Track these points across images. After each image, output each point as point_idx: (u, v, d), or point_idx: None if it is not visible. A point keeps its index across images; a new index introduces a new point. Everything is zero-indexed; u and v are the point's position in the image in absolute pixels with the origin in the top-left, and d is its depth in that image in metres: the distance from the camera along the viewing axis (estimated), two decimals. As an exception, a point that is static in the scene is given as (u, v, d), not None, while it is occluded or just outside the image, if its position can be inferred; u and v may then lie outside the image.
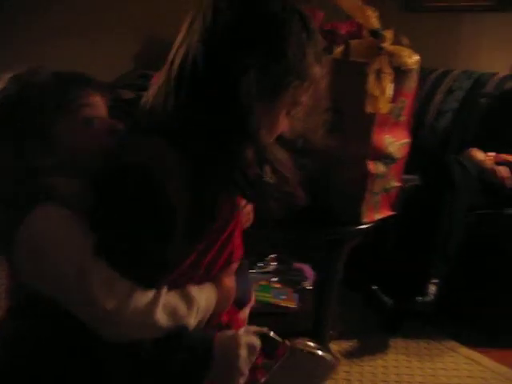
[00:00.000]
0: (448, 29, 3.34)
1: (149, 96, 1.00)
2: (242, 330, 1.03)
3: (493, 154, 2.49)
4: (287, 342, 1.07)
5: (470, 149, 2.57)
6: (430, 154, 2.80)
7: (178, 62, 0.94)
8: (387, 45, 1.58)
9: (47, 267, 0.92)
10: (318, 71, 0.96)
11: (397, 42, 1.71)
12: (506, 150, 2.48)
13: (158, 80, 0.99)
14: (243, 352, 0.99)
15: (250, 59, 0.89)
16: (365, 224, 1.76)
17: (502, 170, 2.38)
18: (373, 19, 1.54)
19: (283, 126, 1.00)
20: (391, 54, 1.59)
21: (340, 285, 1.94)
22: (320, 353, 1.08)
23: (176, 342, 0.96)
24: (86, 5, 3.38)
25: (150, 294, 0.92)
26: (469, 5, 3.26)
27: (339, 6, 1.55)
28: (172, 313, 0.95)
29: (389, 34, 1.58)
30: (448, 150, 2.79)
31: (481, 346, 2.22)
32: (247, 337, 1.01)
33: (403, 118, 1.73)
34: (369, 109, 1.58)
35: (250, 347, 1.00)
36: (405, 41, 1.73)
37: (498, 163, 2.43)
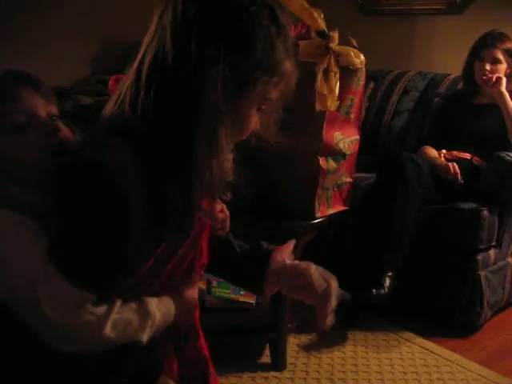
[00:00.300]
0: (402, 32, 3.44)
1: (116, 96, 0.97)
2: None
3: (445, 151, 2.58)
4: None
5: (424, 146, 2.67)
6: (387, 153, 2.89)
7: (147, 59, 0.91)
8: (334, 45, 1.65)
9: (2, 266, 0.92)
10: (289, 66, 0.93)
11: (346, 43, 1.78)
12: (458, 148, 2.58)
13: (125, 80, 0.95)
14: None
15: (216, 53, 0.86)
16: (318, 218, 1.82)
17: (454, 167, 2.47)
18: (319, 21, 1.61)
19: (254, 123, 0.97)
20: (338, 54, 1.66)
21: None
22: None
23: (123, 359, 0.95)
24: (39, 8, 3.36)
25: (102, 307, 0.90)
26: (422, 8, 3.37)
27: (287, 8, 1.61)
28: (124, 327, 0.93)
29: (335, 35, 1.65)
30: (404, 148, 2.88)
31: (435, 336, 2.30)
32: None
33: (353, 116, 1.80)
34: (318, 106, 1.64)
35: None
36: (353, 42, 1.80)
37: (450, 160, 2.53)
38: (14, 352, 0.95)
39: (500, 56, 2.52)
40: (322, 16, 1.63)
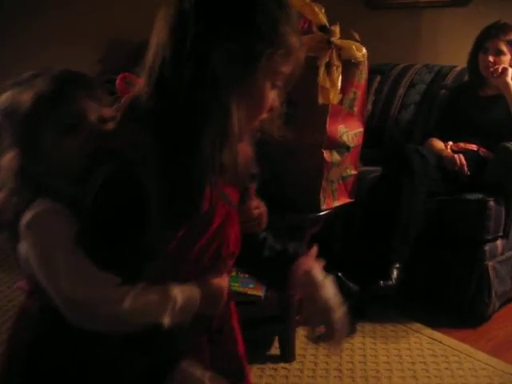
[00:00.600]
0: (408, 25, 3.45)
1: (135, 91, 1.01)
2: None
3: (451, 142, 2.59)
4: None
5: (430, 138, 2.68)
6: (393, 146, 2.90)
7: (153, 52, 0.95)
8: (336, 39, 1.67)
9: (32, 250, 0.96)
10: (294, 39, 0.93)
11: (349, 37, 1.80)
12: (464, 139, 2.59)
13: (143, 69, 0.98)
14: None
15: (218, 31, 0.89)
16: (324, 211, 1.85)
17: (461, 158, 2.47)
18: (320, 15, 1.63)
19: (271, 99, 0.97)
20: (340, 48, 1.68)
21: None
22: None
23: (146, 341, 0.97)
24: (48, 8, 3.40)
25: (123, 288, 0.93)
26: (427, 1, 3.38)
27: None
28: (143, 306, 0.95)
29: (337, 29, 1.67)
30: (411, 141, 2.89)
31: (444, 327, 2.32)
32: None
33: (356, 109, 1.82)
34: (321, 100, 1.66)
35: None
36: (355, 36, 1.81)
37: (457, 151, 2.54)
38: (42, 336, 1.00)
39: (503, 47, 2.52)
40: (323, 10, 1.66)
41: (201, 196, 0.98)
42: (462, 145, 2.57)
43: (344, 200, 1.91)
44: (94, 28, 3.61)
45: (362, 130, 1.87)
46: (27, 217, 0.97)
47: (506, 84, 2.49)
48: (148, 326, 0.96)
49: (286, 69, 0.95)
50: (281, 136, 1.26)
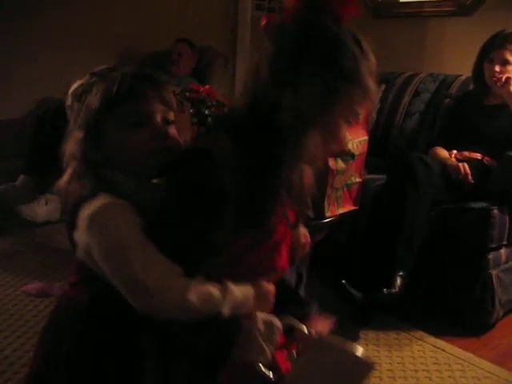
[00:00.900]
0: (413, 34, 3.47)
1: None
2: (258, 312, 1.09)
3: (456, 151, 2.60)
4: (314, 335, 1.10)
5: (435, 147, 2.69)
6: (397, 154, 2.91)
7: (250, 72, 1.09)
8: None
9: (98, 241, 1.00)
10: (371, 83, 1.04)
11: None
12: (469, 148, 2.60)
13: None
14: (260, 326, 1.05)
15: (306, 68, 1.00)
16: (328, 218, 1.86)
17: (465, 167, 2.48)
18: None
19: (344, 135, 1.10)
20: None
21: (310, 279, 2.03)
22: (353, 351, 1.04)
23: (207, 326, 1.02)
24: (63, 18, 3.45)
25: (187, 278, 1.00)
26: (432, 10, 3.40)
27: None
28: (205, 296, 1.01)
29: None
30: (415, 149, 2.91)
31: (447, 335, 2.32)
32: (264, 315, 1.08)
33: (360, 117, 1.83)
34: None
35: (268, 323, 1.06)
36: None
37: (461, 160, 2.55)
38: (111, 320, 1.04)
39: (509, 57, 2.53)
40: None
41: (273, 209, 1.07)
42: (466, 153, 2.58)
43: (349, 207, 1.92)
44: (99, 39, 3.65)
45: (366, 138, 1.88)
46: (90, 209, 1.00)
47: (510, 93, 2.50)
48: (209, 314, 1.01)
49: (360, 109, 1.08)
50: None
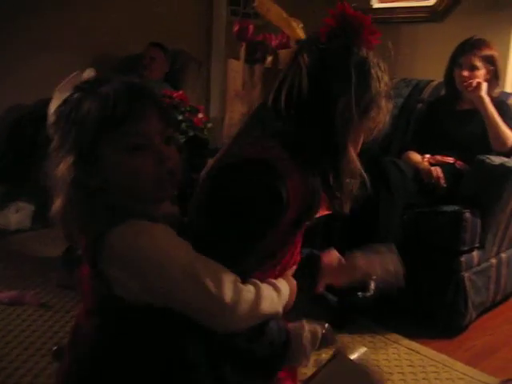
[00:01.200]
0: (386, 40, 3.50)
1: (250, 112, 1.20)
2: (304, 321, 1.16)
3: (428, 155, 2.64)
4: (341, 347, 1.22)
5: (408, 151, 2.72)
6: (372, 158, 2.93)
7: (284, 88, 1.13)
8: (313, 53, 1.69)
9: (152, 275, 0.93)
10: (387, 104, 1.18)
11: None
12: (441, 152, 2.63)
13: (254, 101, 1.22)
14: (308, 335, 1.10)
15: (345, 87, 1.10)
16: (302, 223, 1.86)
17: (437, 171, 2.52)
18: (298, 30, 1.65)
19: (360, 144, 1.23)
20: (317, 62, 1.70)
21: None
22: (371, 371, 1.20)
23: (261, 331, 1.05)
24: (38, 22, 3.41)
25: (251, 286, 1.01)
26: (405, 16, 3.44)
27: (266, 18, 1.66)
28: (271, 302, 1.02)
29: (314, 44, 1.69)
30: (389, 154, 2.93)
31: (422, 337, 2.34)
32: (310, 325, 1.13)
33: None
34: (298, 113, 1.69)
35: (312, 332, 1.11)
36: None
37: (434, 164, 2.58)
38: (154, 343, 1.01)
39: (477, 63, 2.58)
40: (301, 25, 1.68)
41: (318, 208, 1.21)
42: (438, 157, 2.62)
43: (322, 212, 1.92)
44: (82, 42, 3.63)
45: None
46: (128, 239, 0.93)
47: (480, 98, 2.54)
48: (272, 316, 1.05)
49: (374, 125, 1.19)
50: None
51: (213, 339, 1.01)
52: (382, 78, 1.15)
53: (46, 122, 3.09)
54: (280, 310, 1.06)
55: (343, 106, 1.09)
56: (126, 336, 0.99)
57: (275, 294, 1.05)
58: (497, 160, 2.38)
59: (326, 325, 1.20)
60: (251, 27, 1.72)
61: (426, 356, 2.21)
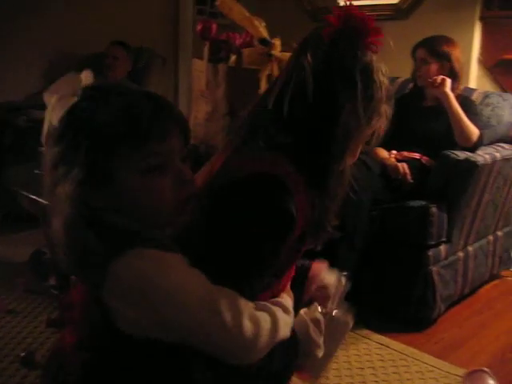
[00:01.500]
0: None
1: (244, 118, 1.14)
2: (302, 310, 1.17)
3: (395, 151, 2.66)
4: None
5: (375, 148, 2.74)
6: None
7: (288, 92, 1.06)
8: (276, 52, 1.70)
9: (166, 308, 0.85)
10: (385, 107, 1.14)
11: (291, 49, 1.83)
12: (408, 148, 2.66)
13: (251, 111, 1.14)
14: (312, 327, 1.10)
15: (351, 93, 1.05)
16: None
17: (404, 167, 2.54)
18: (261, 29, 1.65)
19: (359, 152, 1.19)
20: (281, 60, 1.71)
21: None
22: (349, 319, 1.32)
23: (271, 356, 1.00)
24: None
25: (265, 314, 0.96)
26: (370, 14, 3.45)
27: (229, 17, 1.65)
28: (284, 328, 0.99)
29: (277, 42, 1.70)
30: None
31: (392, 331, 2.37)
32: (308, 313, 1.14)
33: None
34: (263, 112, 1.69)
35: (314, 321, 1.12)
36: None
37: (400, 160, 2.60)
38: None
39: (426, 56, 2.63)
40: (264, 24, 1.68)
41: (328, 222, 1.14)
42: (405, 153, 2.64)
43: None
44: (39, 41, 3.57)
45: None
46: (136, 271, 0.83)
47: (445, 94, 2.57)
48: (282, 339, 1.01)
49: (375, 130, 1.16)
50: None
51: (221, 365, 0.95)
52: (383, 83, 1.11)
53: (11, 126, 3.05)
54: (289, 332, 1.02)
55: (349, 113, 1.05)
56: (124, 373, 0.90)
57: (287, 317, 1.01)
58: (461, 155, 2.42)
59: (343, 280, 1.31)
60: (214, 26, 1.72)
61: (395, 350, 2.24)
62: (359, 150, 1.17)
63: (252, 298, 0.96)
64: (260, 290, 1.02)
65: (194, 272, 0.88)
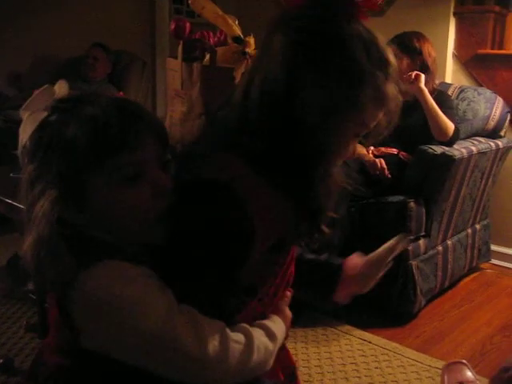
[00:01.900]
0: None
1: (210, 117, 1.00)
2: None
3: (373, 147, 2.67)
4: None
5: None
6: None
7: (256, 83, 0.89)
8: (251, 50, 1.69)
9: (123, 327, 0.80)
10: (389, 89, 0.90)
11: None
12: (385, 144, 2.67)
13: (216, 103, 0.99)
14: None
15: (323, 78, 0.86)
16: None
17: (381, 162, 2.55)
18: (234, 27, 1.65)
19: (351, 149, 0.95)
20: (255, 58, 1.70)
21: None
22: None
23: None
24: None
25: (240, 335, 0.87)
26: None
27: (203, 16, 1.65)
28: (264, 352, 0.89)
29: (251, 40, 1.69)
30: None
31: (373, 327, 2.38)
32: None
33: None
34: (238, 110, 1.68)
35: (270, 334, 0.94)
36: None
37: (378, 156, 2.62)
38: None
39: (396, 52, 2.62)
40: (237, 22, 1.68)
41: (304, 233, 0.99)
42: (382, 149, 2.65)
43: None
44: (18, 43, 3.54)
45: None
46: (98, 285, 0.79)
47: (420, 90, 2.59)
48: (262, 367, 0.91)
49: (374, 121, 0.93)
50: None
51: None
52: (378, 61, 0.89)
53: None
54: (273, 357, 0.92)
55: (323, 103, 0.86)
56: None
57: (269, 342, 0.91)
58: (438, 149, 2.43)
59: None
60: (188, 25, 1.71)
61: (377, 345, 2.25)
62: (348, 150, 0.94)
63: (228, 318, 0.88)
64: (236, 311, 0.93)
65: (160, 289, 0.83)
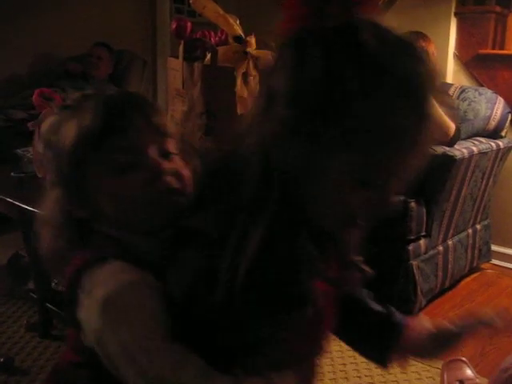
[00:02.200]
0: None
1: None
2: None
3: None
4: None
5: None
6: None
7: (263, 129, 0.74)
8: (252, 49, 1.69)
9: (116, 334, 0.77)
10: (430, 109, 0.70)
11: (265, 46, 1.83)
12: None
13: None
14: None
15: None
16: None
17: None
18: (235, 26, 1.65)
19: (355, 200, 0.74)
20: (256, 58, 1.70)
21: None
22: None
23: None
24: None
25: (231, 380, 0.78)
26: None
27: (204, 15, 1.65)
28: None
29: (252, 40, 1.69)
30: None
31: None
32: None
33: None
34: (239, 110, 1.68)
35: None
36: (272, 45, 1.84)
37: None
38: None
39: None
40: (238, 22, 1.68)
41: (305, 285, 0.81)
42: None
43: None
44: (20, 42, 3.54)
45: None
46: (102, 288, 0.77)
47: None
48: None
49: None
50: (202, 147, 1.26)
51: None
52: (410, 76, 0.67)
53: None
54: None
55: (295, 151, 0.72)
56: None
57: None
58: (439, 149, 2.43)
59: None
60: (189, 25, 1.71)
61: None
62: (345, 200, 0.74)
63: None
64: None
65: (150, 310, 0.78)
